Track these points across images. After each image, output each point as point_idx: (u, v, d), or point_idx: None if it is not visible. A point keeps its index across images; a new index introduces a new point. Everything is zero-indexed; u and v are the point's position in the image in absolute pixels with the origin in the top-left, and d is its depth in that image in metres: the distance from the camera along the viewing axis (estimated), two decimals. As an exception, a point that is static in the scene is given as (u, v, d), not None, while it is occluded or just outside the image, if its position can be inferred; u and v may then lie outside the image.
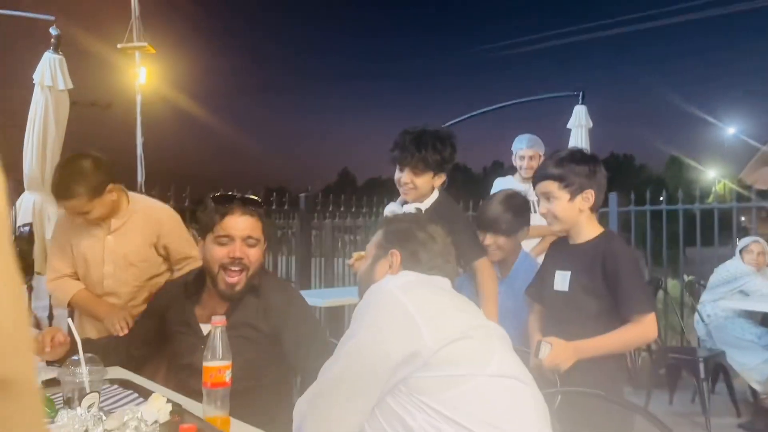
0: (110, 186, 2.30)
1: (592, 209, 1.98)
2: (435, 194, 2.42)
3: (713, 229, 5.06)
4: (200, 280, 1.89)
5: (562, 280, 1.96)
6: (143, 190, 7.62)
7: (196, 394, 1.38)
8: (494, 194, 2.61)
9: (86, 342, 1.97)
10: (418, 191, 2.36)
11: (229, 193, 1.85)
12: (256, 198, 1.88)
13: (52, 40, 4.06)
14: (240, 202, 1.83)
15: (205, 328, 1.79)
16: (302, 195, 6.17)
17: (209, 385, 1.30)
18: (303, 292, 2.83)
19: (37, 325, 4.32)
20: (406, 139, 2.32)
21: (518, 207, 2.47)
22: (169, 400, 1.36)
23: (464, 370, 1.15)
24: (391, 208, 2.54)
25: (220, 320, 1.33)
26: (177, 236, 2.47)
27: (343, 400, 1.18)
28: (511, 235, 2.41)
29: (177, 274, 2.40)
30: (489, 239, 2.40)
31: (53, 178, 2.39)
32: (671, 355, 4.15)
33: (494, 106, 5.82)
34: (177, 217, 2.56)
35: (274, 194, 5.89)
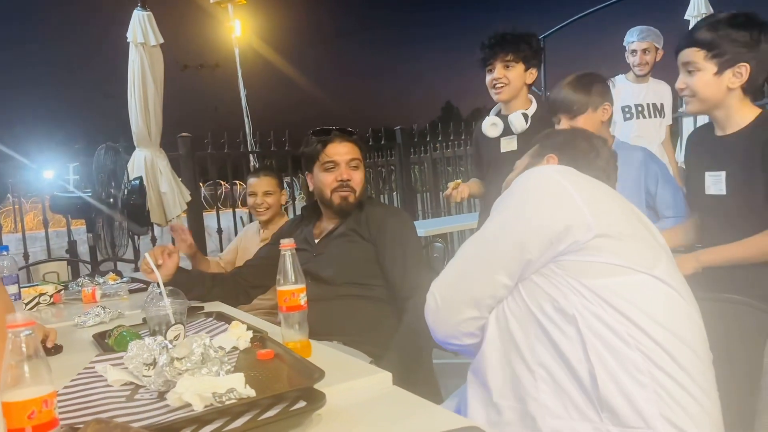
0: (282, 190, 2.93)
1: (745, 89, 1.61)
2: (535, 103, 2.42)
3: None
4: (313, 208, 2.12)
5: (715, 183, 1.65)
6: (250, 137, 7.89)
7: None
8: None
9: (208, 276, 2.08)
10: (512, 86, 2.37)
11: (326, 127, 2.00)
12: (350, 129, 2.02)
13: (138, -4, 4.14)
14: (337, 131, 1.98)
15: (316, 242, 2.01)
16: (397, 128, 6.05)
17: (285, 309, 1.25)
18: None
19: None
20: (492, 37, 2.37)
21: (587, 82, 2.10)
22: (251, 328, 1.33)
23: (628, 263, 1.02)
24: (491, 120, 2.50)
25: (288, 243, 1.27)
26: None
27: (486, 272, 1.10)
28: (583, 113, 2.07)
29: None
30: (564, 123, 2.09)
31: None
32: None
33: (596, 7, 5.27)
34: None
35: (370, 130, 5.82)
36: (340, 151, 1.95)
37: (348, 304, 1.83)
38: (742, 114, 1.61)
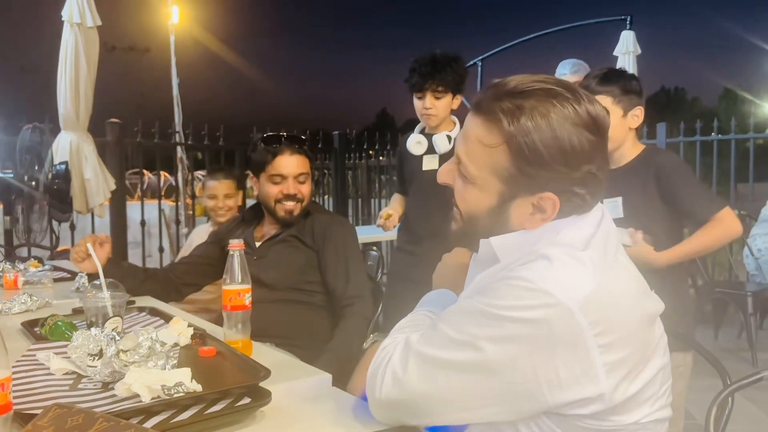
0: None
1: (637, 130, 1.92)
2: (458, 125, 2.48)
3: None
4: (256, 210, 2.11)
5: (613, 208, 1.85)
6: (180, 128, 7.67)
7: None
8: None
9: (140, 269, 2.04)
10: (440, 116, 2.44)
11: (277, 133, 1.97)
12: (301, 137, 2.00)
13: (77, -25, 3.98)
14: (288, 141, 1.95)
15: (258, 245, 2.02)
16: (335, 133, 6.09)
17: (229, 308, 1.27)
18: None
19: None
20: (422, 64, 2.38)
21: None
22: (191, 325, 1.35)
23: (625, 420, 0.91)
24: (416, 138, 2.55)
25: (237, 243, 1.29)
26: None
27: (462, 416, 0.91)
28: None
29: None
30: None
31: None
32: (718, 289, 4.01)
33: (533, 35, 5.53)
34: None
35: (308, 132, 5.81)
36: (289, 164, 1.93)
37: (286, 308, 1.87)
38: (633, 150, 1.89)
